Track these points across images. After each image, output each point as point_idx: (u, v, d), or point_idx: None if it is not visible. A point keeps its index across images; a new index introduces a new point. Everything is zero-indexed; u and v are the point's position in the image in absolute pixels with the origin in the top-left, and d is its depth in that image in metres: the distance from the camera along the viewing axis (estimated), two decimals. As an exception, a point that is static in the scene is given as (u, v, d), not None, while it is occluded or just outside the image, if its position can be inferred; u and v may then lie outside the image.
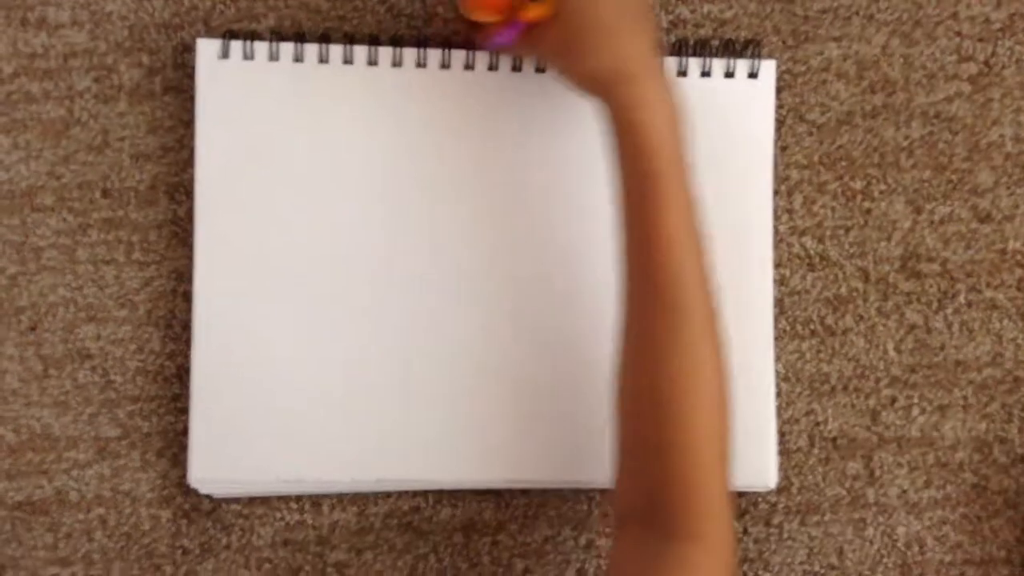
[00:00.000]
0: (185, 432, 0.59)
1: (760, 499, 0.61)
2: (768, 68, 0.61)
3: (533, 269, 0.60)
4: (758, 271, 0.61)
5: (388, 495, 0.61)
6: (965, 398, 0.62)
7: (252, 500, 0.60)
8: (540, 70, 0.60)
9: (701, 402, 0.49)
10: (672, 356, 0.49)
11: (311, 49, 0.59)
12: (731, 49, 0.61)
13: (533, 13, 0.52)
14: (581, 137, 0.60)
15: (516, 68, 0.60)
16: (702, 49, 0.61)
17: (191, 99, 0.60)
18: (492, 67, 0.60)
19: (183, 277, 0.60)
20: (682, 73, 0.61)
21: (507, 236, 0.60)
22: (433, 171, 0.60)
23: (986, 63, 0.63)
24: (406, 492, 0.61)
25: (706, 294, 0.50)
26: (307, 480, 0.59)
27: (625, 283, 0.51)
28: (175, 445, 0.60)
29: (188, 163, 0.60)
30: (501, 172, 0.60)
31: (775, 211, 0.62)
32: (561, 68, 0.55)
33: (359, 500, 0.60)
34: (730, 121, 0.61)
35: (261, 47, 0.59)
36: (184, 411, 0.59)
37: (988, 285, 0.62)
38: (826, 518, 0.61)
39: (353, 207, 0.60)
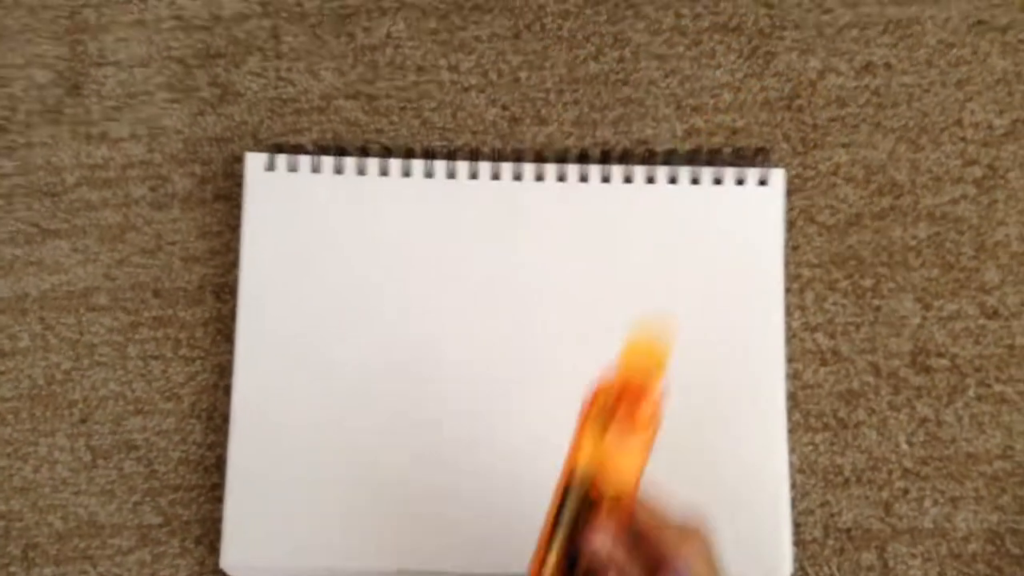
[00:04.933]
0: (223, 520, 0.60)
1: None
2: (777, 176, 0.63)
3: (564, 370, 0.60)
4: (771, 366, 0.61)
5: (417, 584, 0.61)
6: (977, 490, 0.62)
7: (285, 587, 0.61)
8: (561, 179, 0.63)
9: None
10: None
11: (350, 162, 0.62)
12: (742, 157, 0.63)
13: None
14: (610, 250, 0.62)
15: (539, 178, 0.63)
16: (714, 158, 0.63)
17: (239, 207, 0.63)
18: (517, 176, 0.62)
19: (225, 372, 0.62)
20: (695, 181, 0.62)
21: (540, 340, 0.61)
22: (464, 277, 0.62)
23: (990, 166, 0.65)
24: (436, 581, 0.61)
25: None
26: (337, 569, 0.59)
27: None
28: (212, 533, 0.61)
29: (233, 265, 0.63)
30: (534, 280, 0.62)
31: (787, 308, 0.62)
32: None
33: (389, 588, 0.61)
34: (742, 225, 0.62)
35: (304, 160, 0.62)
36: (222, 500, 0.60)
37: (997, 380, 0.63)
38: (842, 610, 0.62)
39: (387, 310, 0.61)
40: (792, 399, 0.63)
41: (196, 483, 0.62)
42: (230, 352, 0.62)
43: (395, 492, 0.60)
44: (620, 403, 0.44)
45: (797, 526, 0.62)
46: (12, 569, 0.61)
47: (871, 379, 0.63)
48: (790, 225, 0.64)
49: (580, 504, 0.44)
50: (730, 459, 0.61)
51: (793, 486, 0.62)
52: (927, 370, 0.63)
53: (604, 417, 0.44)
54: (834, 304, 0.64)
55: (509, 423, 0.61)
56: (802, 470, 0.62)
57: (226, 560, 0.59)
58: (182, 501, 0.62)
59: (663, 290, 0.62)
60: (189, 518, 0.62)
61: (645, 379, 0.44)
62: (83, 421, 0.63)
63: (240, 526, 0.59)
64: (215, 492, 0.62)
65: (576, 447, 0.44)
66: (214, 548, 0.61)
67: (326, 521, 0.60)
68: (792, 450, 0.62)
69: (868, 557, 0.62)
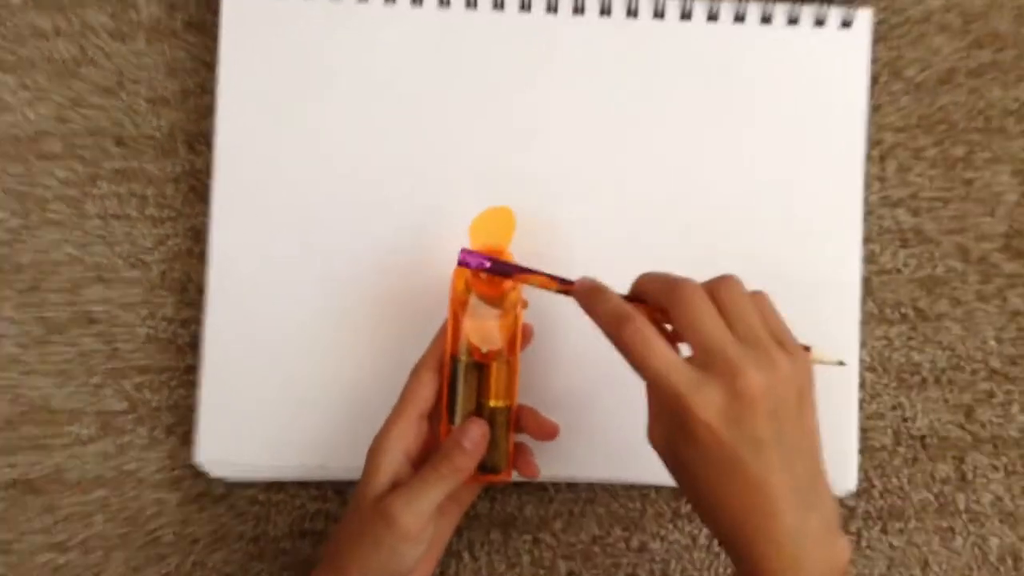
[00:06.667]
0: (197, 408, 0.58)
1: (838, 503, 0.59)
2: (864, 17, 0.59)
3: (573, 244, 0.58)
4: (845, 246, 0.59)
5: (420, 484, 0.61)
6: (1073, 396, 0.61)
7: (269, 485, 0.59)
8: (605, 12, 0.58)
9: None
10: None
11: (350, -15, 0.59)
12: (822, -7, 0.60)
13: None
14: (661, 99, 0.59)
15: (578, 10, 0.58)
16: (790, -7, 0.60)
17: (215, 39, 0.59)
18: (551, 8, 0.59)
19: (201, 236, 0.59)
20: (766, 20, 0.59)
21: (569, 208, 0.58)
22: (481, 129, 0.58)
23: (1111, 16, 0.62)
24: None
25: None
26: (330, 466, 0.57)
27: None
28: (186, 422, 0.59)
29: (210, 110, 0.59)
30: (567, 133, 0.59)
31: (865, 179, 0.59)
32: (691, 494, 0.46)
33: (388, 488, 0.60)
34: (819, 76, 0.59)
35: (292, -19, 0.59)
36: (197, 385, 0.58)
37: (1102, 266, 0.62)
38: (910, 525, 0.60)
39: (387, 165, 0.58)
40: (866, 285, 0.60)
41: (167, 365, 0.59)
42: (205, 213, 0.59)
43: (400, 378, 0.55)
44: (477, 278, 0.51)
45: (864, 432, 0.60)
46: (-48, 458, 0.61)
47: (958, 264, 0.61)
48: (872, 80, 0.61)
49: (468, 371, 0.53)
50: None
51: (862, 386, 0.60)
52: (1022, 255, 0.60)
53: (465, 298, 0.52)
54: (919, 175, 0.61)
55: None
56: (873, 368, 0.60)
57: (201, 454, 0.57)
58: (150, 385, 0.59)
59: (722, 152, 0.59)
60: (159, 404, 0.59)
61: (498, 242, 0.53)
62: (33, 289, 0.59)
63: (219, 415, 0.57)
64: (189, 376, 0.59)
65: (454, 331, 0.53)
66: (188, 440, 0.58)
67: (321, 410, 0.58)
68: (863, 344, 0.60)
69: (944, 468, 0.60)
